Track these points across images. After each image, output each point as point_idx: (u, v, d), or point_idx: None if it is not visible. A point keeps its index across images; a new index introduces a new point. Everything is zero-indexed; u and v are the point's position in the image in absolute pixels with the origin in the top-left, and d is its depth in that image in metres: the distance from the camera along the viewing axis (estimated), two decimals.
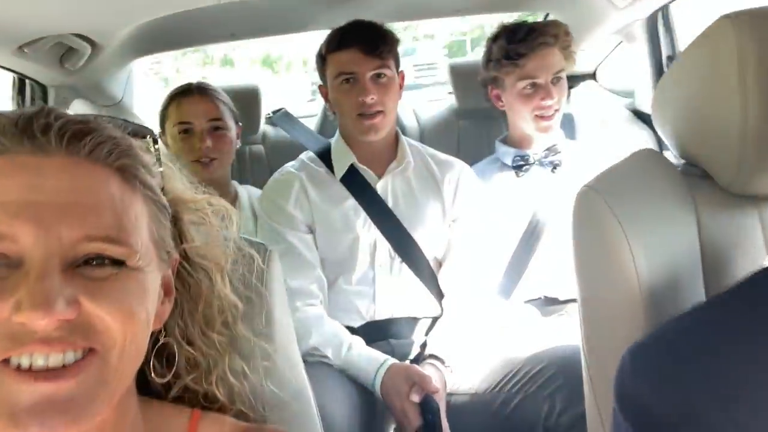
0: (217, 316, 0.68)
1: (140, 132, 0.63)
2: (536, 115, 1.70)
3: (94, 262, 0.52)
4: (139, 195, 0.58)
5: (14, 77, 1.68)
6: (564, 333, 1.50)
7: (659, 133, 0.91)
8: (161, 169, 0.64)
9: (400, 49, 1.60)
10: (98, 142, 0.55)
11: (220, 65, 8.46)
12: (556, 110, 1.70)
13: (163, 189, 0.63)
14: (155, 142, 0.64)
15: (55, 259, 0.51)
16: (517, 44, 1.68)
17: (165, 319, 0.63)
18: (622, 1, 1.54)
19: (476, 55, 2.43)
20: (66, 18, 1.30)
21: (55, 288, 0.49)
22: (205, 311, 0.67)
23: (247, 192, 1.81)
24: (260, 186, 1.74)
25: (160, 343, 0.64)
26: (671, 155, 0.96)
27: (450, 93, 2.23)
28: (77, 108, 1.99)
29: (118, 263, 0.53)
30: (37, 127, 0.54)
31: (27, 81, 1.67)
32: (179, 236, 0.66)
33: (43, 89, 1.71)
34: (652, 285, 0.80)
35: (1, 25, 1.20)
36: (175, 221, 0.65)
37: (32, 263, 0.50)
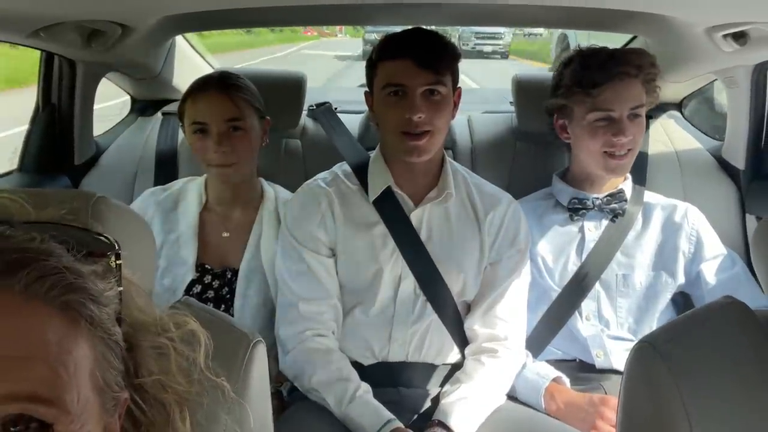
0: None
1: (100, 250, 0.55)
2: (605, 152, 1.52)
3: (17, 427, 0.45)
4: (84, 336, 0.50)
5: (41, 52, 1.56)
6: None
7: None
8: (120, 288, 0.55)
9: None
10: (38, 276, 0.47)
11: None
12: (630, 150, 1.51)
13: (119, 315, 0.55)
14: (118, 257, 0.56)
15: None
16: (593, 71, 1.49)
17: None
18: (728, 46, 1.29)
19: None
20: (87, 4, 1.16)
21: None
22: None
23: (274, 192, 1.68)
24: (291, 185, 1.62)
25: None
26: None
27: (511, 103, 2.00)
28: (112, 80, 1.89)
29: (47, 425, 0.46)
30: None
31: (55, 56, 1.56)
32: (135, 369, 0.57)
33: (72, 64, 1.59)
34: None
35: (8, 12, 1.07)
36: (131, 349, 0.57)
37: None
